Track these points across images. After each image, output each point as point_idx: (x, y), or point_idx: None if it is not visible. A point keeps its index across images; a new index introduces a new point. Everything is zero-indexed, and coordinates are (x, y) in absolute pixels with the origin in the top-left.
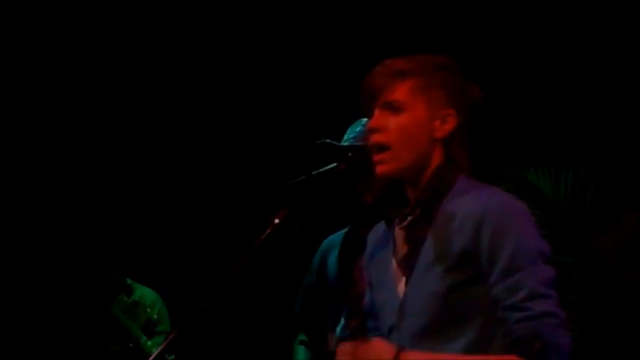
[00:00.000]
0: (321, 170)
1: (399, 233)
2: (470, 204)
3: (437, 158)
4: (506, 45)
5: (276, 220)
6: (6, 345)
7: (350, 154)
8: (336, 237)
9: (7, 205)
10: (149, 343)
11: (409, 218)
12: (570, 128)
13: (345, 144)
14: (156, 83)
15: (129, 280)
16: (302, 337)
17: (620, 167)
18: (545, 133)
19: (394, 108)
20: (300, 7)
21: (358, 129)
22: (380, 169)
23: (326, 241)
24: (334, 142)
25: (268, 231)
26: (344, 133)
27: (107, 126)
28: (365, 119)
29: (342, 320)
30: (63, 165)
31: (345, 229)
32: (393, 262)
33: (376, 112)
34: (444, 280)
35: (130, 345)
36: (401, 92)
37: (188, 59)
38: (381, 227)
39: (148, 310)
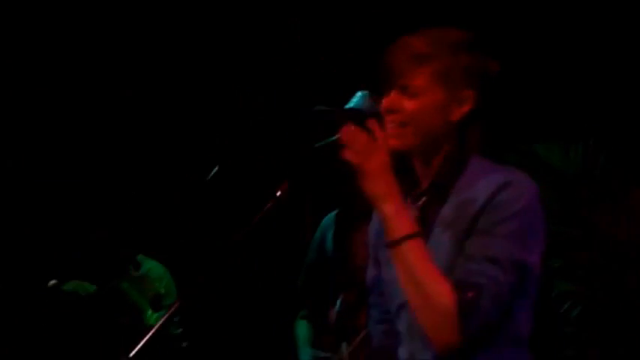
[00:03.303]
0: (324, 142)
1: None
2: (481, 187)
3: (451, 139)
4: (516, 19)
5: (278, 193)
6: (18, 319)
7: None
8: (334, 215)
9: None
10: (154, 316)
11: (423, 199)
12: (580, 101)
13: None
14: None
15: (137, 255)
16: (303, 313)
17: (629, 140)
18: (555, 107)
19: (412, 93)
20: None
21: (355, 99)
22: (394, 143)
23: (326, 218)
24: (333, 108)
25: (270, 204)
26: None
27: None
28: (361, 92)
29: (341, 295)
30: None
31: (340, 208)
32: None
33: (392, 93)
34: (454, 261)
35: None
36: (421, 78)
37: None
38: None
39: (156, 283)
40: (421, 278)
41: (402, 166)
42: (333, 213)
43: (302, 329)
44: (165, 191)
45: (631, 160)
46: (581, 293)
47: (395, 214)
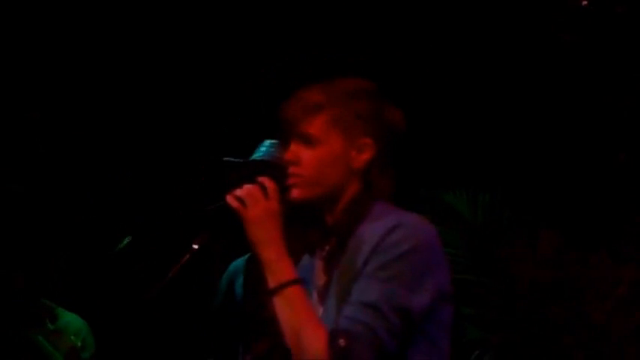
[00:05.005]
0: (215, 206)
1: (318, 263)
2: (373, 231)
3: (354, 186)
4: (423, 67)
5: (195, 246)
6: None
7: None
8: (243, 261)
9: None
10: None
11: (327, 248)
12: (486, 151)
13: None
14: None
15: (55, 308)
16: None
17: (534, 189)
18: (462, 156)
19: (309, 141)
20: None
21: (263, 149)
22: (293, 193)
23: (233, 264)
24: (240, 160)
25: (187, 256)
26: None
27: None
28: (269, 141)
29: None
30: None
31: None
32: (314, 294)
33: (291, 145)
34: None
35: None
36: (316, 126)
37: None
38: (306, 256)
39: (72, 337)
40: (296, 325)
41: (312, 216)
42: (243, 258)
43: None
44: (83, 242)
45: (537, 208)
46: (492, 341)
47: (274, 261)
